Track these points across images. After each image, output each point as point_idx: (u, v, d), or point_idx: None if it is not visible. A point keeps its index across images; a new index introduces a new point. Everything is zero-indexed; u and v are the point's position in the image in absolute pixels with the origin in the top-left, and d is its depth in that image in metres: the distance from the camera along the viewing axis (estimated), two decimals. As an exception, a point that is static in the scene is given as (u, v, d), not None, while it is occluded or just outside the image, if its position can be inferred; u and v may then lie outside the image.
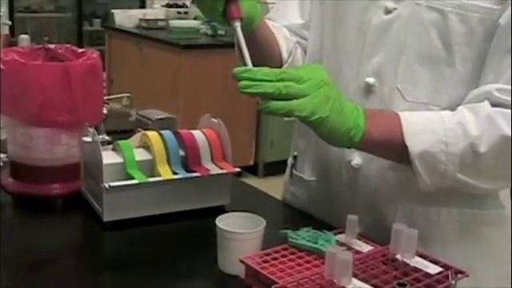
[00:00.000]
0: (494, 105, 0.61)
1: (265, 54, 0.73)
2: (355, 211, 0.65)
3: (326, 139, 0.59)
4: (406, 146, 0.59)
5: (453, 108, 0.63)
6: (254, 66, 0.61)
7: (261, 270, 0.55)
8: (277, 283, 0.53)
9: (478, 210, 0.69)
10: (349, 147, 0.61)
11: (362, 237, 0.63)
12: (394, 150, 0.61)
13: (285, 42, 0.75)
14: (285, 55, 0.75)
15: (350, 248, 0.61)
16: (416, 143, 0.59)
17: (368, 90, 0.67)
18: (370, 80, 0.67)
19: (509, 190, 0.73)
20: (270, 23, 0.74)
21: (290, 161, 0.83)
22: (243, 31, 0.64)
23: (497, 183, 0.65)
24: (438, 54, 0.64)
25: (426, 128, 0.60)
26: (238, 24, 0.64)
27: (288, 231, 0.62)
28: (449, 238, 0.69)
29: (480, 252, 0.70)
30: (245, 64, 0.61)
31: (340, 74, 0.70)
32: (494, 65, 0.62)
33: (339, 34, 0.71)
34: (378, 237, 0.63)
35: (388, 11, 0.66)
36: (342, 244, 0.62)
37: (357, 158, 0.70)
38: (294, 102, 0.55)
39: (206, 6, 0.64)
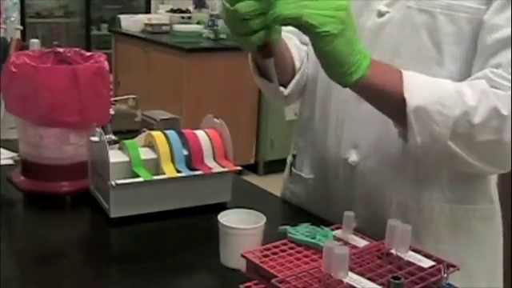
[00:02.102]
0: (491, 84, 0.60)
1: (279, 64, 0.73)
2: (352, 207, 0.66)
3: (326, 63, 0.56)
4: (403, 99, 0.59)
5: None
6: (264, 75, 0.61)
7: (261, 265, 0.56)
8: (276, 277, 0.54)
9: (469, 205, 0.70)
10: (344, 86, 0.58)
11: (359, 232, 0.65)
12: (391, 100, 0.60)
13: (296, 50, 0.76)
14: (297, 64, 0.76)
15: (346, 243, 0.62)
16: (414, 97, 0.59)
17: None
18: None
19: (496, 185, 0.73)
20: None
21: (289, 159, 0.84)
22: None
23: (482, 163, 0.63)
24: (429, 53, 0.65)
25: (425, 86, 0.60)
26: (271, 62, 0.66)
27: (287, 227, 0.63)
28: (441, 233, 0.70)
29: (471, 246, 0.71)
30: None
31: None
32: (480, 60, 0.63)
33: None
34: (374, 232, 0.64)
35: (381, 14, 0.67)
36: (339, 239, 0.63)
37: (353, 156, 0.71)
38: (306, 5, 0.52)
39: (241, 43, 0.59)
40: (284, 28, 0.77)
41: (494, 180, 0.73)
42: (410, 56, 0.66)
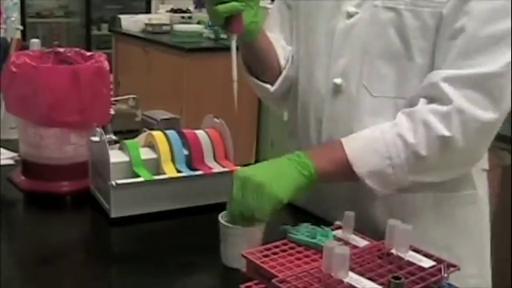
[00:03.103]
0: (434, 100, 0.64)
1: (264, 61, 0.77)
2: (338, 205, 0.68)
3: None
4: (353, 170, 0.64)
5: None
6: (254, 73, 0.65)
7: (261, 264, 0.56)
8: (277, 277, 0.54)
9: (452, 192, 0.72)
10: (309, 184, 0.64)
11: (359, 232, 0.65)
12: (347, 175, 0.66)
13: (282, 50, 0.79)
14: (282, 62, 0.79)
15: (346, 243, 0.62)
16: (362, 166, 0.65)
17: (337, 90, 0.71)
18: (338, 80, 0.70)
19: (481, 171, 0.75)
20: (268, 34, 0.78)
21: None
22: (243, 40, 0.69)
23: (450, 172, 0.68)
24: (398, 49, 0.67)
25: (368, 150, 0.65)
26: (234, 38, 0.68)
27: (287, 227, 0.64)
28: (426, 221, 0.71)
29: (457, 231, 0.73)
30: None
31: (312, 77, 0.74)
32: (440, 51, 0.65)
33: (310, 42, 0.75)
34: (361, 228, 0.65)
35: (350, 16, 0.69)
36: (339, 239, 0.63)
37: None
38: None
39: (210, 15, 0.68)
40: (270, 30, 0.80)
41: (476, 165, 0.74)
42: (380, 53, 0.68)
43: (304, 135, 0.77)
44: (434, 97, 0.64)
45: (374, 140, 0.65)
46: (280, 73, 0.79)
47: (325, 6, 0.72)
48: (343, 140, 0.67)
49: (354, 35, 0.69)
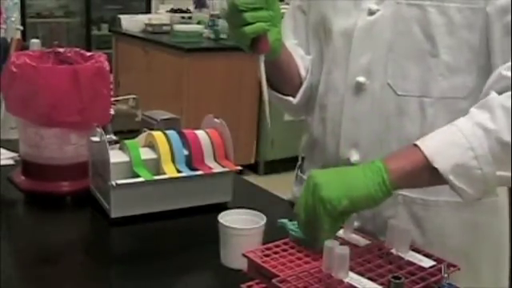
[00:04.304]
0: (505, 90, 0.60)
1: (286, 75, 0.76)
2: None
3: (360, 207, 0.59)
4: (435, 169, 0.58)
5: (446, 98, 0.65)
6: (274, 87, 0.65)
7: (263, 264, 0.56)
8: (278, 276, 0.54)
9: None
10: (386, 195, 0.59)
11: (360, 231, 0.65)
12: (426, 176, 0.59)
13: (301, 60, 0.78)
14: (303, 73, 0.77)
15: (347, 242, 0.62)
16: (443, 162, 0.58)
17: (359, 88, 0.69)
18: (361, 79, 0.69)
19: None
20: (286, 44, 0.76)
21: (298, 163, 0.84)
22: (267, 59, 0.67)
23: None
24: (423, 46, 0.66)
25: (446, 143, 0.59)
26: (262, 58, 0.67)
27: (285, 220, 0.63)
28: (447, 227, 0.70)
29: (478, 240, 0.71)
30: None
31: (329, 76, 0.73)
32: (496, 50, 0.63)
33: (326, 44, 0.74)
34: (379, 231, 0.64)
35: (371, 13, 0.68)
36: (340, 239, 0.63)
37: (354, 156, 0.71)
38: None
39: (236, 37, 0.66)
40: (289, 39, 0.78)
41: None
42: (404, 51, 0.67)
43: (320, 137, 0.75)
44: (505, 87, 0.61)
45: (450, 133, 0.60)
46: (301, 83, 0.77)
47: (338, 4, 0.71)
48: (416, 142, 0.60)
49: (376, 32, 0.68)
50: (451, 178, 0.58)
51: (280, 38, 0.69)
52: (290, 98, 0.77)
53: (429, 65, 0.66)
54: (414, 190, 0.68)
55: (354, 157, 0.71)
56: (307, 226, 0.60)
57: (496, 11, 0.63)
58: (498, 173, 0.59)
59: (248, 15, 0.62)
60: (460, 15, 0.64)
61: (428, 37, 0.65)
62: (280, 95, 0.77)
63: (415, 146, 0.60)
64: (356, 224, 0.67)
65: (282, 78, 0.76)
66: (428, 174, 0.59)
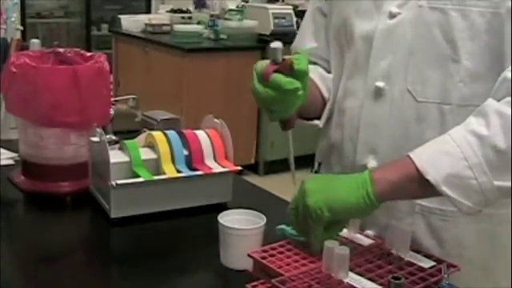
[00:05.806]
0: (504, 96, 0.58)
1: (310, 104, 0.71)
2: (372, 218, 0.64)
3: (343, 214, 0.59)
4: (427, 181, 0.56)
5: (467, 105, 0.63)
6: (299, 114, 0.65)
7: (268, 264, 0.57)
8: (282, 275, 0.54)
9: (494, 210, 0.65)
10: (371, 207, 0.58)
11: (363, 231, 0.65)
12: (415, 187, 0.58)
13: (322, 81, 0.76)
14: (326, 95, 0.76)
15: (351, 242, 0.62)
16: (435, 173, 0.56)
17: (378, 93, 0.67)
18: (380, 84, 0.67)
19: None
20: (304, 49, 0.75)
21: (314, 168, 0.83)
22: None
23: None
24: (444, 51, 0.64)
25: (438, 152, 0.57)
26: (290, 133, 0.68)
27: (283, 226, 0.63)
28: (465, 238, 0.68)
29: (495, 251, 0.69)
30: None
31: (349, 81, 0.72)
32: (509, 51, 0.61)
33: (347, 47, 0.72)
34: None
35: (392, 16, 0.66)
36: (344, 238, 0.63)
37: (372, 162, 0.69)
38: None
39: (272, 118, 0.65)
40: (303, 38, 0.77)
41: None
42: (425, 55, 0.65)
43: (338, 143, 0.74)
44: (505, 89, 0.59)
45: (442, 142, 0.58)
46: (324, 104, 0.76)
47: (360, 6, 0.69)
48: (410, 153, 0.59)
49: (397, 36, 0.66)
50: (445, 189, 0.56)
51: (305, 100, 0.66)
52: (316, 122, 0.76)
53: (449, 70, 0.64)
54: (432, 199, 0.66)
55: (372, 163, 0.69)
56: (300, 230, 0.61)
57: (507, 13, 0.62)
58: (496, 183, 0.56)
59: (274, 108, 0.63)
60: (482, 19, 0.62)
61: (449, 41, 0.64)
62: (306, 122, 0.76)
63: (408, 156, 0.58)
64: (371, 233, 0.67)
65: (306, 107, 0.71)
66: (418, 186, 0.57)
